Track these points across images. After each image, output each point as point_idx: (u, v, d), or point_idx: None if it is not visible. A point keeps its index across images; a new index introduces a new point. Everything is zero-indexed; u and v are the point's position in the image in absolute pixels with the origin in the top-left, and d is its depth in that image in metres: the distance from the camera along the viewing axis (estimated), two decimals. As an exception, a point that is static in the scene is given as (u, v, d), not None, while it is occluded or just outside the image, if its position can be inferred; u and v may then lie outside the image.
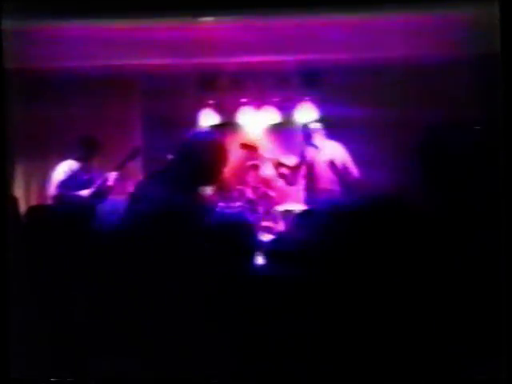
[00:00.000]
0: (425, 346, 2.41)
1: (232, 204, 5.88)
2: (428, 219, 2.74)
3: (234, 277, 2.71)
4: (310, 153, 5.93)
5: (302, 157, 5.98)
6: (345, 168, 5.69)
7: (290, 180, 6.03)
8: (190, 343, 2.57)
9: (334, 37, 4.87)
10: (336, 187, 5.69)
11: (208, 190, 5.69)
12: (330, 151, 5.81)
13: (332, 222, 2.79)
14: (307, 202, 5.73)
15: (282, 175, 6.05)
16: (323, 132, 6.00)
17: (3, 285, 2.71)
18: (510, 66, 2.65)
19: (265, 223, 5.60)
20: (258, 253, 3.15)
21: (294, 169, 5.96)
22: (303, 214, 3.45)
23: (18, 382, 2.68)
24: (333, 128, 6.05)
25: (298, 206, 5.44)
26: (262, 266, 3.16)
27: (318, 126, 6.09)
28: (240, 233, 3.01)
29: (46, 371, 2.66)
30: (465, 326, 2.43)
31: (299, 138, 6.14)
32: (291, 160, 6.12)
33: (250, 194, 6.14)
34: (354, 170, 5.67)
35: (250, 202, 6.01)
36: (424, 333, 2.41)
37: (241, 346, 2.55)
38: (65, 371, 2.64)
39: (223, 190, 6.14)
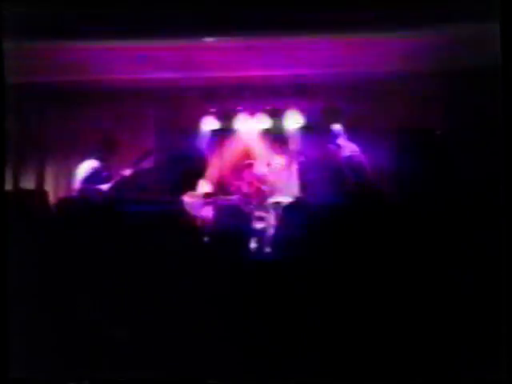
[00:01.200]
0: (426, 346, 2.43)
1: (230, 197, 6.38)
2: (429, 219, 2.77)
3: (232, 262, 2.87)
4: (294, 154, 6.60)
5: (288, 157, 6.60)
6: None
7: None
8: (188, 338, 2.58)
9: (322, 55, 5.41)
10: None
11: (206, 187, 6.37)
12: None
13: (315, 213, 3.03)
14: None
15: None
16: (305, 136, 6.64)
17: (3, 286, 2.72)
18: (510, 80, 2.72)
19: (258, 213, 6.10)
20: (251, 238, 3.63)
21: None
22: (290, 205, 3.77)
23: (16, 383, 2.67)
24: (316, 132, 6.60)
25: (286, 199, 5.86)
26: (255, 251, 3.65)
27: (302, 130, 6.73)
28: (236, 221, 3.34)
29: (44, 372, 2.60)
30: (465, 327, 2.46)
31: (285, 141, 6.77)
32: (278, 160, 6.69)
33: (245, 188, 6.58)
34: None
35: (245, 195, 6.45)
36: (425, 333, 2.44)
37: (239, 338, 2.57)
38: (63, 372, 2.59)
39: (223, 186, 6.65)
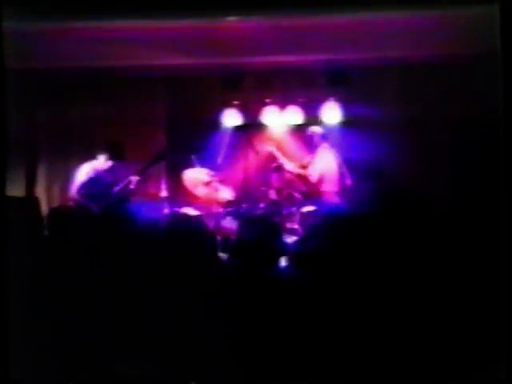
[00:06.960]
0: (425, 346, 2.41)
1: (256, 206, 5.93)
2: (437, 220, 2.78)
3: (260, 280, 2.68)
4: (324, 154, 6.00)
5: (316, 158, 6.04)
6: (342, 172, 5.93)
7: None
8: (208, 344, 2.53)
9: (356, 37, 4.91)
10: (337, 189, 5.85)
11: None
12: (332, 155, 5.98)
13: (355, 223, 2.80)
14: (320, 203, 5.78)
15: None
16: (335, 134, 6.22)
17: (4, 286, 2.73)
18: (509, 65, 2.69)
19: (289, 225, 5.63)
20: (283, 255, 3.14)
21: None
22: (328, 215, 3.45)
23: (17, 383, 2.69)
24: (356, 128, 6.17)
25: (323, 208, 5.43)
26: (286, 269, 3.15)
27: (334, 127, 6.31)
28: (264, 235, 2.98)
29: (46, 373, 2.64)
30: (465, 327, 2.44)
31: (322, 138, 6.17)
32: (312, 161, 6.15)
33: (274, 195, 6.16)
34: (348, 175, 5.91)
35: (273, 203, 6.02)
36: (425, 333, 2.42)
37: (262, 347, 2.50)
38: (65, 374, 2.62)
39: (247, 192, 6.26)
